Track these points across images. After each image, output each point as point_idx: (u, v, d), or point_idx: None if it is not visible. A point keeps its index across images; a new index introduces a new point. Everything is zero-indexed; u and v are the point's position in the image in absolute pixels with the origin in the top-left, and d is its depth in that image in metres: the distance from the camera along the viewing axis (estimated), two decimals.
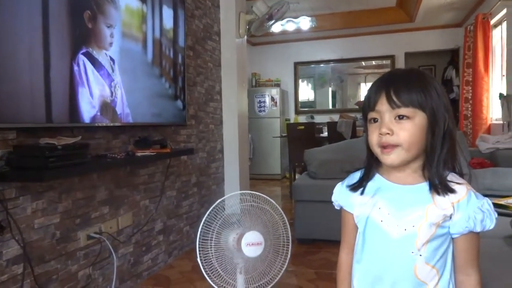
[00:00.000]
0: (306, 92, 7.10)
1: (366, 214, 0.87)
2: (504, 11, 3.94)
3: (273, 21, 3.89)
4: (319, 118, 6.55)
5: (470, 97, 4.81)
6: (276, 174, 6.46)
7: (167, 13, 2.49)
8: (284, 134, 5.79)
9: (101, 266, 2.07)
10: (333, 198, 0.96)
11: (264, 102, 6.51)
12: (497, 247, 1.52)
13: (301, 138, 4.79)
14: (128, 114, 2.09)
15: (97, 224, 2.05)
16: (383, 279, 0.84)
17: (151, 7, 2.31)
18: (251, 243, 1.59)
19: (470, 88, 4.87)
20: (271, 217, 1.70)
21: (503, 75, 4.19)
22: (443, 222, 0.81)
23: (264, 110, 6.51)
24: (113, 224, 2.16)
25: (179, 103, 2.65)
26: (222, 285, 1.62)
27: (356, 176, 0.92)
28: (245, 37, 3.97)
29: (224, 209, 1.67)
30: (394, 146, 0.81)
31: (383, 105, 0.81)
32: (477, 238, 0.83)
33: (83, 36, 1.77)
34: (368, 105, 0.85)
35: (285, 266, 1.71)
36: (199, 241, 1.59)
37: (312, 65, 6.89)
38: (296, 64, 6.87)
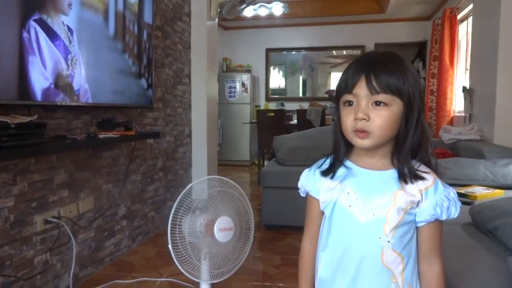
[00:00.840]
0: (277, 79, 7.08)
1: (334, 199, 0.85)
2: (471, 6, 4.04)
3: (245, 5, 3.83)
4: (289, 106, 6.56)
5: (435, 90, 4.93)
6: (245, 161, 6.45)
7: None
8: (254, 121, 5.77)
9: (60, 252, 1.98)
10: (300, 184, 0.94)
11: (235, 87, 6.44)
12: (456, 233, 1.56)
13: (271, 125, 4.78)
14: (87, 90, 1.98)
15: (56, 208, 1.96)
16: (348, 265, 0.83)
17: None
18: (224, 228, 1.57)
19: (435, 80, 4.99)
20: (239, 203, 1.69)
21: (467, 69, 4.31)
22: (411, 208, 0.81)
23: (234, 96, 6.45)
24: (73, 208, 2.07)
25: (143, 82, 2.55)
26: (189, 271, 1.59)
27: (326, 162, 0.90)
28: (216, 20, 3.88)
29: (191, 194, 1.63)
30: (369, 132, 0.79)
31: (361, 89, 0.79)
32: (440, 226, 0.84)
33: (36, 1, 1.64)
34: (344, 87, 0.82)
35: (247, 251, 1.70)
36: (170, 228, 1.55)
37: (284, 52, 6.87)
38: (268, 51, 6.82)
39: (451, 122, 4.51)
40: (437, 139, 3.54)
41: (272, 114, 4.94)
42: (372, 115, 0.78)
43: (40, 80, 1.65)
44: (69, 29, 1.83)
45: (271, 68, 6.96)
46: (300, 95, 6.94)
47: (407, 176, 0.80)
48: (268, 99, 6.94)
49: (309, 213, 0.94)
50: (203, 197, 1.65)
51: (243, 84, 6.42)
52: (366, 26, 6.29)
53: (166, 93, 3.16)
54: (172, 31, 3.25)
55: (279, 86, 7.07)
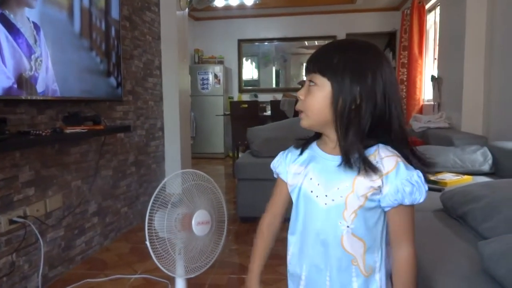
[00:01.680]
0: (250, 70, 7.04)
1: (298, 184, 0.87)
2: None
3: None
4: (262, 97, 6.53)
5: (405, 79, 5.03)
6: (219, 153, 6.40)
7: None
8: (227, 113, 5.71)
9: (27, 252, 1.90)
10: (272, 165, 0.96)
11: (207, 79, 6.36)
12: (428, 220, 1.60)
13: (245, 116, 4.76)
14: (55, 90, 1.89)
15: (21, 207, 1.87)
16: (314, 249, 0.84)
17: None
18: (201, 222, 1.54)
19: (405, 70, 5.08)
20: (213, 196, 1.66)
21: (435, 58, 4.41)
22: (372, 195, 0.79)
23: (207, 88, 6.37)
24: (40, 207, 1.99)
25: (113, 80, 2.45)
26: (165, 267, 1.56)
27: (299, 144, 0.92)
28: (187, 10, 3.80)
29: (165, 189, 1.59)
30: (303, 111, 0.84)
31: (305, 70, 0.85)
32: (408, 211, 0.81)
33: None
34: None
35: (221, 244, 1.68)
36: (147, 224, 1.50)
37: (256, 43, 6.82)
38: (240, 42, 6.76)
39: (420, 111, 4.61)
40: (407, 127, 3.61)
41: (246, 105, 4.91)
42: (306, 95, 0.83)
43: (1, 78, 1.55)
44: (36, 26, 1.74)
45: (244, 59, 6.90)
46: (274, 86, 6.93)
47: (353, 164, 0.78)
48: (241, 90, 6.90)
49: (276, 192, 0.96)
50: (178, 191, 1.61)
51: (215, 76, 6.34)
52: (337, 17, 6.33)
53: (136, 85, 3.08)
54: (140, 21, 3.15)
55: (252, 78, 7.03)
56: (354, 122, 0.79)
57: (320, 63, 0.81)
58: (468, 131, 3.09)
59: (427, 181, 0.82)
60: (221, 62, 6.52)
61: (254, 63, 7.03)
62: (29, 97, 1.73)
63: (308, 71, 0.83)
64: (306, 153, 0.89)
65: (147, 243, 1.51)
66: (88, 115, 2.24)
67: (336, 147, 0.83)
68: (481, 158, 2.40)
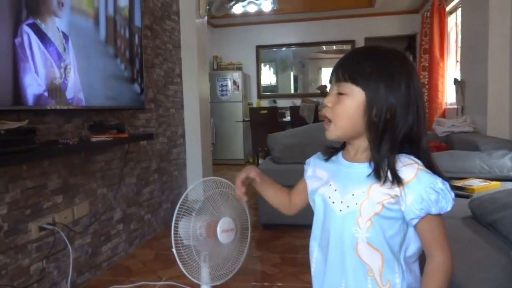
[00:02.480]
0: (268, 76, 7.06)
1: (318, 190, 0.88)
2: None
3: (234, 2, 3.80)
4: (281, 103, 6.54)
5: (426, 82, 4.95)
6: (239, 159, 6.42)
7: None
8: (247, 119, 5.74)
9: (56, 259, 1.95)
10: (307, 161, 0.97)
11: (226, 86, 6.40)
12: (457, 227, 1.56)
13: (264, 122, 4.77)
14: (81, 99, 1.94)
15: (50, 215, 1.92)
16: (334, 255, 0.83)
17: None
18: (226, 230, 1.55)
19: (426, 73, 5.01)
20: (236, 203, 1.66)
21: (457, 61, 4.33)
22: (391, 203, 0.76)
23: (226, 94, 6.41)
24: (68, 214, 2.03)
25: (136, 86, 2.51)
26: (191, 274, 1.57)
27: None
28: (206, 17, 3.84)
29: (188, 197, 1.60)
30: (331, 119, 0.82)
31: (333, 77, 0.83)
32: (437, 220, 0.78)
33: (29, 5, 1.59)
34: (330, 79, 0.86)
35: (245, 251, 1.69)
36: (173, 231, 1.52)
37: (274, 49, 6.84)
38: (258, 48, 6.79)
39: (443, 115, 4.53)
40: (430, 132, 3.55)
41: (265, 111, 4.93)
42: (335, 103, 0.81)
43: (33, 88, 1.60)
44: (65, 36, 1.79)
45: (262, 65, 6.93)
46: (292, 91, 6.93)
47: (381, 171, 0.77)
48: (260, 96, 6.92)
49: (298, 183, 0.99)
50: (201, 198, 1.62)
51: (234, 82, 6.38)
52: (355, 21, 6.29)
53: (158, 93, 3.12)
54: (161, 30, 3.20)
55: (270, 83, 7.04)
56: (388, 132, 0.78)
57: (351, 71, 0.80)
58: (494, 135, 3.02)
59: (453, 187, 0.80)
60: (239, 69, 6.57)
61: (272, 69, 7.04)
62: (58, 107, 1.78)
63: (337, 80, 0.82)
64: (331, 160, 0.90)
65: (174, 250, 1.53)
66: (113, 124, 2.29)
67: (357, 155, 0.83)
68: (510, 163, 2.34)
